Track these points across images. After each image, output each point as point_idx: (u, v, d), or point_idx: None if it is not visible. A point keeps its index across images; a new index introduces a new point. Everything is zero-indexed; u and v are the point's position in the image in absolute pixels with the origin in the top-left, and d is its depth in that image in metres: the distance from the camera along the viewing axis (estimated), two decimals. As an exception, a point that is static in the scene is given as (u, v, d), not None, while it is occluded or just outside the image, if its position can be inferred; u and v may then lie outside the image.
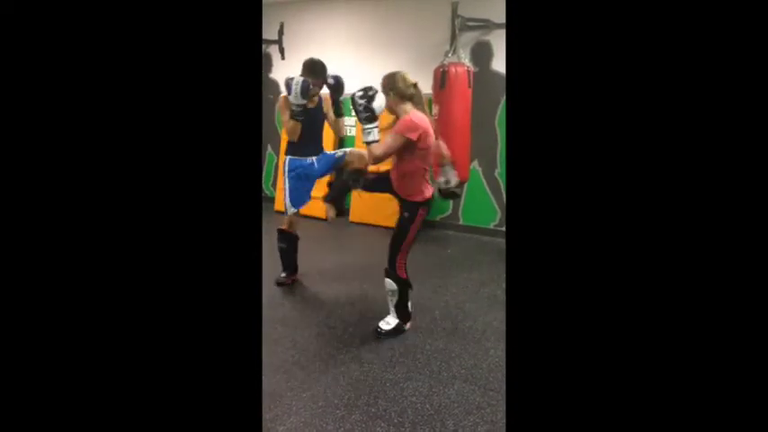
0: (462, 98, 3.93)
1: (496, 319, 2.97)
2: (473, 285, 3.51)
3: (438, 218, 4.92)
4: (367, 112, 2.49)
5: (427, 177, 2.67)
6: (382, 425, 2.03)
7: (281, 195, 3.46)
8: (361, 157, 3.33)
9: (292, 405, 2.15)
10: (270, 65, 5.86)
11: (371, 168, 2.99)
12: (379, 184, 2.83)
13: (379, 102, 2.52)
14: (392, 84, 2.55)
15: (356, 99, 2.50)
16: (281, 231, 3.40)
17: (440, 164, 2.91)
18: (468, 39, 4.52)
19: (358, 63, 5.09)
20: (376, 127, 2.52)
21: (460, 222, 4.90)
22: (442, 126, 2.93)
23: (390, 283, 2.72)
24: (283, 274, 3.49)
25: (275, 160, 5.91)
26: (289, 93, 3.00)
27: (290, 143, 3.32)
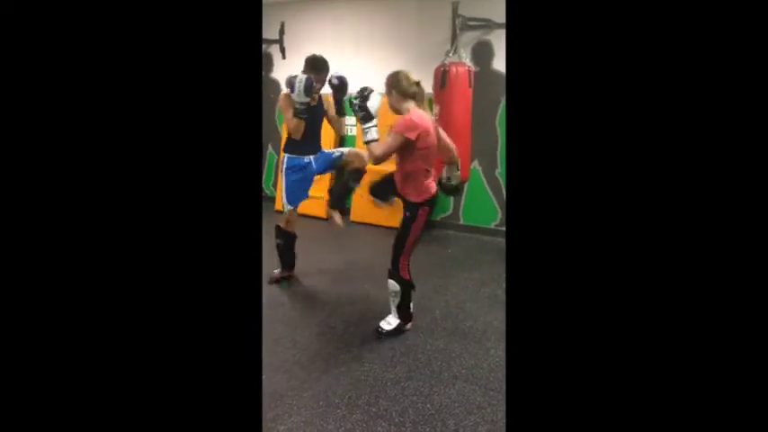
0: (463, 98, 3.93)
1: (497, 319, 2.97)
2: (474, 285, 3.51)
3: (439, 218, 4.92)
4: (362, 111, 2.52)
5: (430, 177, 2.66)
6: (383, 424, 2.03)
7: (281, 194, 3.47)
8: (359, 156, 3.34)
9: (293, 404, 2.15)
10: (271, 64, 5.86)
11: (373, 168, 3.00)
12: (386, 186, 2.82)
13: (374, 101, 2.53)
14: (395, 82, 2.55)
15: (352, 99, 2.54)
16: (278, 228, 3.41)
17: (446, 161, 2.90)
18: (468, 38, 4.52)
19: (358, 63, 5.09)
20: (374, 126, 2.53)
21: (461, 222, 4.89)
22: (443, 126, 2.92)
23: (393, 284, 2.72)
24: (277, 271, 3.50)
25: (276, 160, 5.91)
26: (292, 90, 3.00)
27: (288, 141, 3.33)
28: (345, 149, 3.47)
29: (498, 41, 4.41)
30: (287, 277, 3.53)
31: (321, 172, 3.45)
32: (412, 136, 2.44)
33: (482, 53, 4.53)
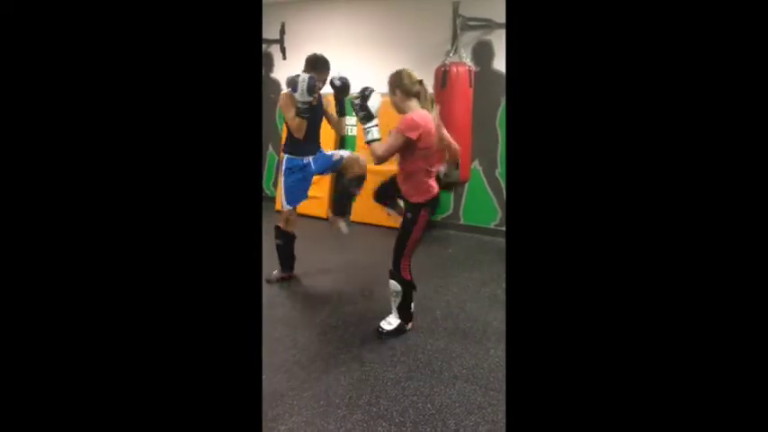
0: (463, 98, 3.93)
1: (497, 319, 2.97)
2: (474, 285, 3.51)
3: (439, 218, 4.92)
4: (363, 111, 2.52)
5: (431, 177, 2.64)
6: (384, 424, 2.03)
7: (280, 194, 3.48)
8: (358, 162, 3.36)
9: (293, 404, 2.15)
10: (271, 64, 5.86)
11: (374, 168, 3.00)
12: (389, 188, 2.82)
13: (375, 101, 2.53)
14: (398, 81, 2.54)
15: (353, 99, 2.56)
16: (277, 228, 3.42)
17: (448, 161, 2.88)
18: (469, 38, 4.52)
19: (359, 63, 5.09)
20: (375, 126, 2.52)
21: (461, 222, 4.89)
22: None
23: (395, 285, 2.72)
24: (276, 272, 3.50)
25: (276, 160, 5.91)
26: (294, 90, 2.98)
27: (287, 142, 3.34)
28: (345, 153, 3.47)
29: (499, 41, 4.41)
30: (287, 278, 3.54)
31: (321, 173, 3.45)
32: (413, 135, 2.44)
33: (483, 53, 4.53)
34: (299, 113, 3.06)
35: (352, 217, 5.16)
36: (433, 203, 2.67)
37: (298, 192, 3.36)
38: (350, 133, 5.25)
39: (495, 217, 4.73)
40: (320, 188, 5.06)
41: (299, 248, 3.54)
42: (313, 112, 3.16)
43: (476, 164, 4.61)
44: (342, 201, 3.53)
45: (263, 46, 5.68)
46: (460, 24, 4.32)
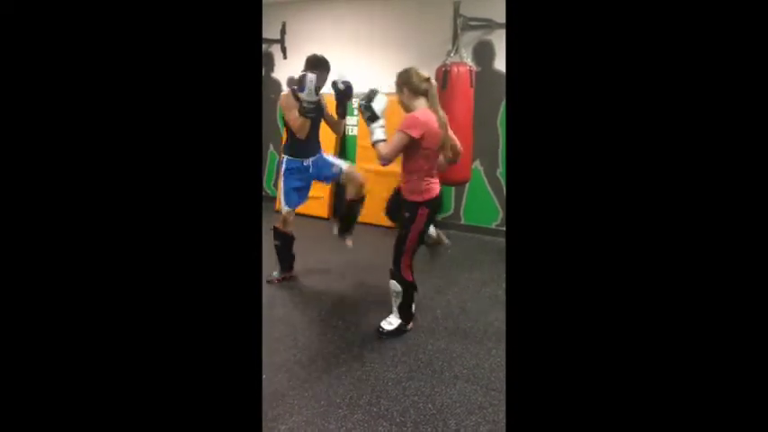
0: (464, 98, 3.93)
1: (498, 319, 2.96)
2: (475, 285, 3.51)
3: (440, 217, 4.91)
4: (368, 112, 2.51)
5: (432, 178, 2.62)
6: (384, 424, 2.03)
7: (280, 195, 3.48)
8: (356, 180, 3.40)
9: (294, 404, 2.15)
10: (272, 64, 5.86)
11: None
12: (398, 201, 2.80)
13: (380, 102, 2.52)
14: (405, 79, 2.52)
15: (360, 101, 2.56)
16: (275, 230, 3.42)
17: (448, 159, 2.85)
18: (470, 38, 4.52)
19: (359, 63, 5.09)
20: (381, 127, 2.52)
21: (462, 222, 4.89)
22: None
23: (395, 285, 2.71)
24: (275, 273, 3.50)
25: (276, 159, 5.92)
26: (301, 90, 2.97)
27: (288, 142, 3.34)
28: (344, 165, 3.45)
29: (500, 41, 4.41)
30: (286, 278, 3.54)
31: (319, 179, 3.45)
32: (415, 134, 2.42)
33: (483, 53, 4.52)
34: (304, 113, 3.05)
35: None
36: (433, 203, 2.64)
37: (297, 194, 3.36)
38: (350, 133, 5.25)
39: (496, 217, 4.72)
40: (320, 188, 5.05)
41: (299, 248, 3.54)
42: (315, 114, 3.16)
43: (477, 164, 4.61)
44: (347, 222, 3.58)
45: (264, 46, 5.68)
46: (461, 24, 4.32)
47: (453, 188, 4.78)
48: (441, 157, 2.69)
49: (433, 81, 2.54)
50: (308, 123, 3.12)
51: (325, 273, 3.75)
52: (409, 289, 2.72)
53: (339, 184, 3.57)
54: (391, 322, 2.78)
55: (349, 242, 3.58)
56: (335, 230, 3.60)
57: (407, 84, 2.52)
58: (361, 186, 3.41)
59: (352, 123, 5.16)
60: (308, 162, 3.34)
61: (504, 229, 4.55)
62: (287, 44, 5.66)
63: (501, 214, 4.70)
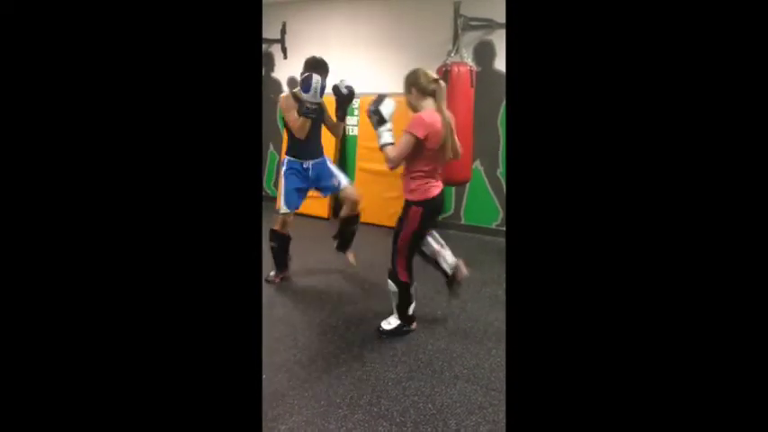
0: (465, 98, 3.93)
1: (498, 320, 2.96)
2: (475, 285, 3.51)
3: (440, 217, 4.91)
4: (376, 116, 2.53)
5: (431, 179, 2.59)
6: (384, 424, 2.03)
7: (280, 196, 3.50)
8: (351, 199, 3.48)
9: (294, 404, 2.15)
10: (272, 64, 5.86)
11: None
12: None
13: (387, 105, 2.53)
14: (414, 80, 2.52)
15: (368, 106, 2.58)
16: (273, 231, 3.42)
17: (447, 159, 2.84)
18: (470, 38, 4.52)
19: (360, 62, 5.09)
20: (389, 130, 2.53)
21: (462, 222, 4.90)
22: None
23: (391, 285, 2.71)
24: (272, 273, 3.51)
25: (277, 159, 5.92)
26: (306, 91, 2.98)
27: (289, 144, 3.36)
28: (344, 181, 3.48)
29: (500, 41, 4.41)
30: (283, 278, 3.54)
31: (317, 186, 3.46)
32: (419, 133, 2.41)
33: (484, 53, 4.52)
34: (305, 113, 3.06)
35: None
36: (429, 204, 2.59)
37: (295, 196, 3.38)
38: (351, 133, 5.25)
39: (497, 217, 4.72)
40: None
41: (299, 248, 3.54)
42: (316, 115, 3.17)
43: (477, 164, 4.62)
44: (345, 239, 3.68)
45: (264, 46, 5.69)
46: (462, 24, 4.32)
47: (453, 188, 4.78)
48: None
49: (442, 82, 2.53)
50: (307, 124, 3.13)
51: (326, 273, 3.75)
52: (404, 289, 2.70)
53: (338, 202, 3.63)
54: (390, 322, 2.78)
55: (351, 258, 3.71)
56: (335, 246, 3.74)
57: (415, 84, 2.52)
58: (355, 204, 3.51)
59: (353, 123, 5.17)
60: (308, 164, 3.35)
61: (504, 229, 4.55)
62: (287, 44, 5.66)
63: (501, 214, 4.70)
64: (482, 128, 4.33)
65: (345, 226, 3.63)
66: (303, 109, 3.05)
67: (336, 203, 3.61)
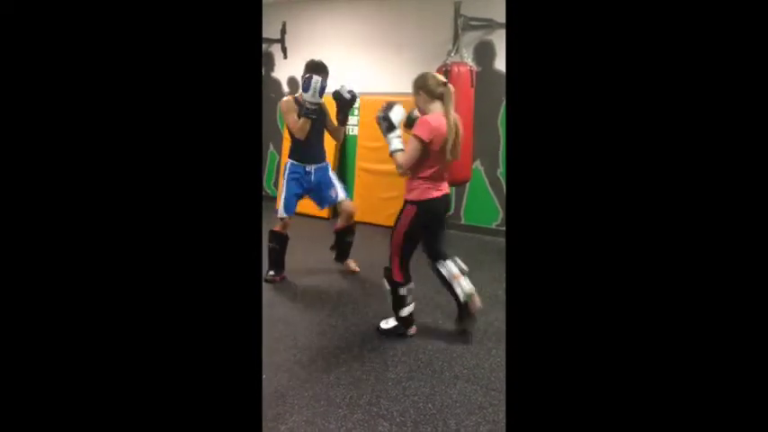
0: (465, 98, 3.93)
1: (498, 320, 2.96)
2: (475, 285, 3.50)
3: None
4: (386, 122, 2.54)
5: (432, 182, 2.57)
6: (384, 424, 2.03)
7: (280, 198, 3.53)
8: (347, 212, 3.56)
9: (294, 404, 2.15)
10: (272, 64, 5.86)
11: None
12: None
13: (397, 112, 2.55)
14: (422, 83, 2.53)
15: (377, 112, 2.60)
16: (273, 233, 3.45)
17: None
18: (470, 38, 4.52)
19: (359, 62, 5.09)
20: (398, 137, 2.54)
21: (462, 222, 4.89)
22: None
23: (385, 283, 2.72)
24: (272, 272, 3.52)
25: (277, 159, 5.92)
26: (306, 90, 3.05)
27: (292, 147, 3.39)
28: (341, 194, 3.52)
29: (500, 41, 4.41)
30: (281, 278, 3.55)
31: (315, 191, 3.49)
32: (424, 136, 2.41)
33: (484, 53, 4.53)
34: (306, 114, 3.11)
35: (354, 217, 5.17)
36: (424, 206, 2.57)
37: (295, 202, 3.44)
38: (351, 133, 5.25)
39: (497, 217, 4.72)
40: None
41: (299, 248, 3.54)
42: (317, 116, 3.19)
43: (477, 164, 4.62)
44: (341, 249, 3.74)
45: (264, 45, 5.69)
46: (462, 24, 4.32)
47: (454, 188, 4.78)
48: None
49: (451, 86, 2.53)
50: (307, 124, 3.16)
51: (326, 272, 3.75)
52: (395, 289, 2.69)
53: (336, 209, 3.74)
54: (389, 321, 2.79)
55: (352, 265, 3.74)
56: (333, 257, 3.82)
57: (424, 88, 2.53)
58: (351, 217, 3.58)
59: (353, 123, 5.17)
60: (311, 168, 3.39)
61: (504, 229, 4.55)
62: (287, 44, 5.67)
63: (501, 214, 4.70)
64: (482, 128, 4.33)
65: (341, 237, 3.70)
66: (303, 110, 3.11)
67: (337, 245, 3.74)
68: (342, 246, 3.73)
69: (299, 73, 3.18)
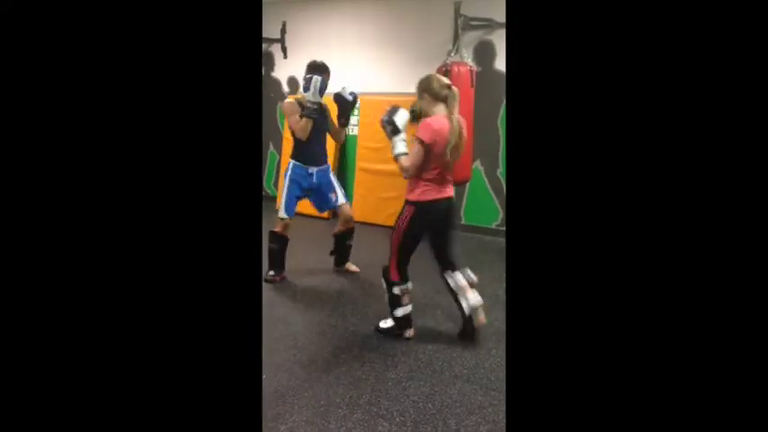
0: (465, 98, 3.91)
1: (498, 320, 2.96)
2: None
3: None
4: (390, 126, 2.55)
5: (435, 184, 2.57)
6: (384, 424, 2.03)
7: (280, 199, 3.54)
8: (345, 216, 3.58)
9: (294, 404, 2.15)
10: (272, 64, 5.86)
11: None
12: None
13: (402, 116, 2.55)
14: (426, 85, 2.53)
15: (382, 117, 2.60)
16: (273, 233, 3.46)
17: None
18: (470, 38, 4.52)
19: (359, 62, 5.09)
20: (402, 140, 2.54)
21: (462, 222, 4.89)
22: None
23: (382, 281, 2.73)
24: (272, 272, 3.53)
25: (277, 159, 5.92)
26: (306, 90, 3.11)
27: (295, 147, 3.41)
28: (341, 198, 3.54)
29: (500, 41, 4.41)
30: (281, 278, 3.55)
31: (316, 192, 3.51)
32: (426, 138, 2.42)
33: (484, 53, 4.53)
34: (307, 114, 3.15)
35: (354, 217, 5.17)
36: (423, 207, 2.57)
37: (295, 204, 3.46)
38: (351, 133, 5.25)
39: (497, 217, 4.73)
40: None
41: (299, 248, 3.54)
42: (318, 116, 3.20)
43: (477, 163, 4.62)
44: (340, 253, 3.76)
45: (264, 45, 5.69)
46: (462, 24, 4.32)
47: (454, 188, 4.78)
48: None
49: (455, 88, 2.53)
50: (309, 125, 3.19)
51: (326, 273, 3.76)
52: (390, 288, 2.69)
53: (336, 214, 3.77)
54: (388, 321, 2.79)
55: (352, 268, 3.75)
56: (333, 262, 3.82)
57: (427, 90, 2.53)
58: (349, 221, 3.60)
59: (353, 123, 5.17)
60: (313, 170, 3.42)
61: (504, 229, 4.55)
62: (287, 44, 5.66)
63: (501, 214, 4.71)
64: (482, 128, 4.33)
65: (341, 240, 3.71)
66: (304, 110, 3.15)
67: (337, 249, 3.81)
68: (341, 249, 3.74)
69: (299, 73, 3.20)
